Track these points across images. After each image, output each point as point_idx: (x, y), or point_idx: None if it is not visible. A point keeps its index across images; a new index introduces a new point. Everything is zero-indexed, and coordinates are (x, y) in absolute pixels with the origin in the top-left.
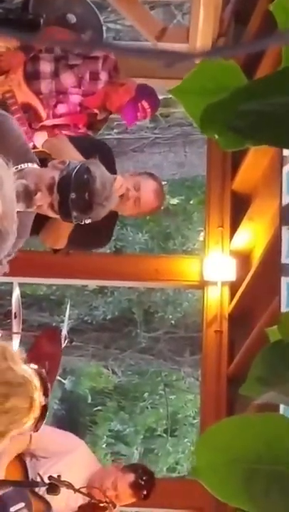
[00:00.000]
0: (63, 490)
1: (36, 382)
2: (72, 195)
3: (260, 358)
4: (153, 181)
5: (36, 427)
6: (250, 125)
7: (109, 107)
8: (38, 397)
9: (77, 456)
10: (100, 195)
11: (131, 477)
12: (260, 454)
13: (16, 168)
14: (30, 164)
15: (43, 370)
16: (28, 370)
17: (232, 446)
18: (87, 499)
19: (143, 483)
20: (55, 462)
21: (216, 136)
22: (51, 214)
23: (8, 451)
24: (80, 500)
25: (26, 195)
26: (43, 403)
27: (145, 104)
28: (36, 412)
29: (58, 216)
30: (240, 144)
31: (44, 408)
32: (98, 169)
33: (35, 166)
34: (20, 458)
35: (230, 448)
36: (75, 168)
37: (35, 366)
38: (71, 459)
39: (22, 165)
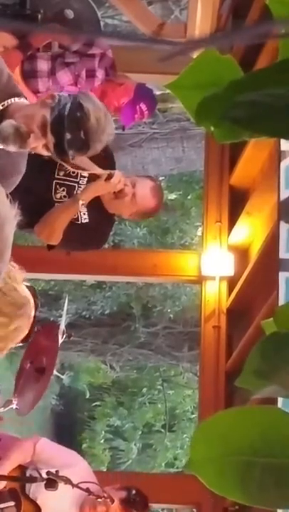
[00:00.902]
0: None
1: (32, 302)
2: (68, 136)
3: (256, 350)
4: (150, 181)
5: (26, 339)
6: (247, 115)
7: (107, 106)
8: (33, 315)
9: (76, 470)
10: (95, 132)
11: (123, 494)
12: (256, 446)
13: (3, 104)
14: (17, 99)
15: (34, 287)
16: (27, 290)
17: (227, 438)
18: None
19: (134, 502)
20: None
21: (212, 128)
22: (45, 153)
23: (12, 459)
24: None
25: (19, 137)
26: (33, 315)
27: (143, 106)
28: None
29: (53, 154)
30: (237, 135)
31: (34, 320)
32: (90, 102)
33: (23, 99)
34: (20, 467)
35: (225, 441)
36: (66, 105)
37: (27, 283)
38: (71, 472)
39: (8, 100)
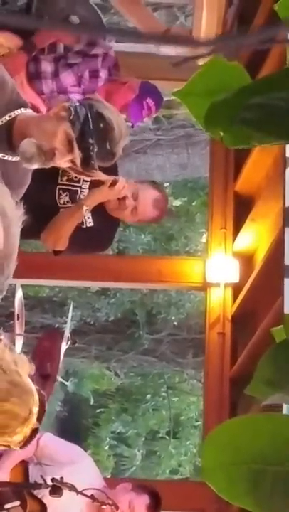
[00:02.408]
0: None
1: (36, 399)
2: (95, 149)
3: (265, 358)
4: (153, 190)
5: (23, 446)
6: (257, 117)
7: (113, 105)
8: (35, 415)
9: (81, 467)
10: (118, 139)
11: (146, 498)
12: (266, 454)
13: (9, 115)
14: (23, 109)
15: (44, 394)
16: (33, 386)
17: (237, 446)
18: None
19: (157, 504)
20: (58, 469)
21: (221, 134)
22: (66, 166)
23: (14, 455)
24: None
25: (43, 156)
26: (35, 426)
27: (150, 101)
28: (28, 429)
29: (77, 168)
30: (246, 140)
31: (34, 431)
32: (106, 109)
33: (29, 110)
34: (23, 462)
35: (235, 448)
36: (87, 117)
37: (37, 387)
38: (75, 469)
39: (15, 111)
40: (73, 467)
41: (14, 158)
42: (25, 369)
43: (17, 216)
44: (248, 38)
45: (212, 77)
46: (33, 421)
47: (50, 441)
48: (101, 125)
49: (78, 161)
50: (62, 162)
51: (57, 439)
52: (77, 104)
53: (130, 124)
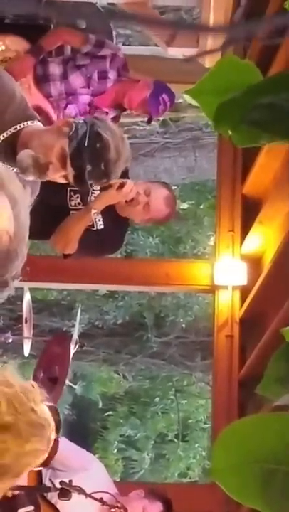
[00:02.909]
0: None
1: (53, 424)
2: (88, 168)
3: (276, 357)
4: (165, 189)
5: (46, 463)
6: (265, 118)
7: (129, 104)
8: (54, 430)
9: (93, 473)
10: (115, 162)
11: (159, 506)
12: (277, 454)
13: (15, 128)
14: (30, 122)
15: (56, 407)
16: (47, 410)
17: (248, 446)
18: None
19: (170, 511)
20: (70, 475)
21: (230, 133)
22: (62, 181)
23: None
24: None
25: (38, 168)
26: (55, 437)
27: (165, 97)
28: (49, 449)
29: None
30: (255, 139)
31: (55, 444)
32: (107, 129)
33: (36, 122)
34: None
35: (246, 448)
36: (85, 135)
37: (50, 403)
38: (87, 475)
39: (21, 124)
40: (85, 473)
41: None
42: (37, 399)
43: (26, 201)
44: (261, 24)
45: (223, 76)
46: (52, 438)
47: (64, 446)
48: (97, 145)
49: (71, 178)
50: (56, 177)
51: (71, 445)
52: (81, 121)
53: (147, 119)
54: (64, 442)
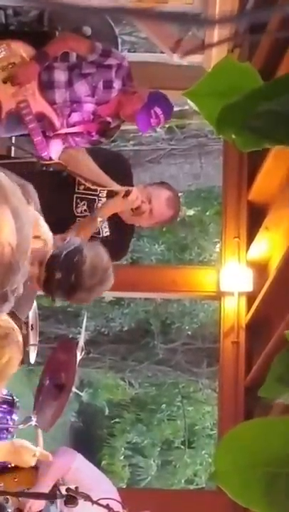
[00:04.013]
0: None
1: (15, 325)
2: (58, 275)
3: (279, 358)
4: (165, 190)
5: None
6: (267, 125)
7: (123, 115)
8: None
9: (104, 492)
10: (87, 279)
11: None
12: (281, 457)
13: None
14: None
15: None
16: (6, 317)
17: (252, 450)
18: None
19: None
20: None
21: (233, 137)
22: (36, 286)
23: (53, 472)
24: None
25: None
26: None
27: (158, 110)
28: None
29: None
30: (258, 143)
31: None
32: (93, 251)
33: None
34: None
35: (250, 452)
36: (69, 247)
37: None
38: (98, 494)
39: None
40: (97, 492)
41: None
42: None
43: (30, 215)
44: (266, 13)
45: (222, 78)
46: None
47: (83, 466)
48: (75, 258)
49: (41, 280)
50: (32, 276)
51: (89, 465)
52: (77, 240)
53: (140, 132)
54: (83, 462)
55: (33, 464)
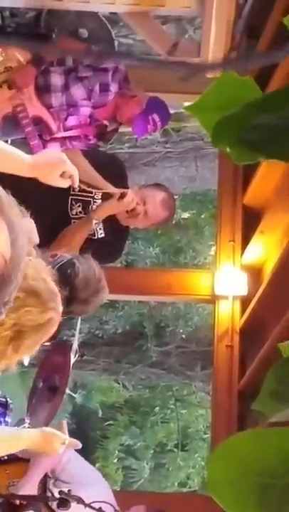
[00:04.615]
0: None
1: (59, 296)
2: None
3: (272, 373)
4: (160, 192)
5: (54, 337)
6: (262, 139)
7: (120, 118)
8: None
9: (95, 491)
10: (82, 292)
11: None
12: (274, 468)
13: None
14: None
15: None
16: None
17: (245, 460)
18: None
19: None
20: (75, 489)
21: (228, 149)
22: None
23: (41, 467)
24: None
25: None
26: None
27: (155, 117)
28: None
29: None
30: (252, 157)
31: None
32: (85, 264)
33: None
34: (43, 478)
35: (243, 462)
36: (61, 262)
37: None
38: (91, 491)
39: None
40: (90, 489)
41: None
42: (44, 272)
43: (24, 228)
44: (254, 58)
45: (223, 92)
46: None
47: (74, 460)
48: (68, 271)
49: None
50: None
51: (81, 460)
52: (69, 256)
53: (135, 137)
54: (74, 456)
55: (61, 451)
